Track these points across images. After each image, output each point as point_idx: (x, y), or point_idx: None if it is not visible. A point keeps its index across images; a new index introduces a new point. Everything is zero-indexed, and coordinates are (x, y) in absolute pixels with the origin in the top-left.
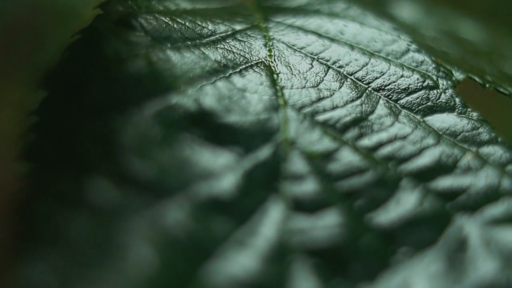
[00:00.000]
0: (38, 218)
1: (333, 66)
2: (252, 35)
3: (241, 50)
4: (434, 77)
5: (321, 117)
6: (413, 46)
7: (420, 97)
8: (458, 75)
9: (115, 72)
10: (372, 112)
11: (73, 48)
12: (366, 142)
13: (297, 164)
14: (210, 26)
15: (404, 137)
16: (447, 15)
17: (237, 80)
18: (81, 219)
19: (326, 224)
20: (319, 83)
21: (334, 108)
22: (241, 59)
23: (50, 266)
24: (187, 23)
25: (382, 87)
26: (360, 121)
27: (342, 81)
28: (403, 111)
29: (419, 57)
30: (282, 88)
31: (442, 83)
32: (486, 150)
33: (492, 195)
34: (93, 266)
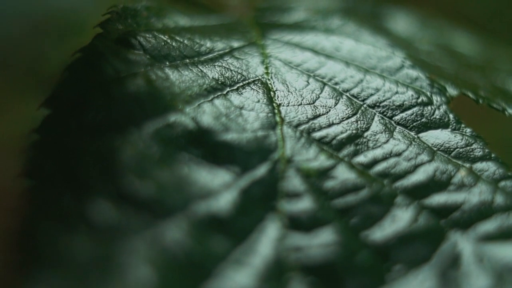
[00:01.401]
0: (40, 239)
1: (329, 83)
2: (250, 52)
3: (238, 67)
4: (428, 93)
5: (317, 134)
6: (408, 63)
7: (414, 114)
8: (452, 91)
9: (114, 91)
10: (367, 128)
11: (73, 68)
12: (362, 159)
13: (294, 182)
14: (208, 44)
15: (399, 154)
16: (442, 28)
17: (234, 97)
18: (82, 240)
19: (322, 242)
20: (315, 100)
21: (330, 125)
22: (239, 76)
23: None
24: (185, 41)
25: (377, 104)
26: (355, 138)
27: (337, 98)
28: (398, 128)
29: (413, 73)
30: (279, 105)
31: (436, 99)
32: (479, 166)
33: (485, 211)
34: (94, 286)
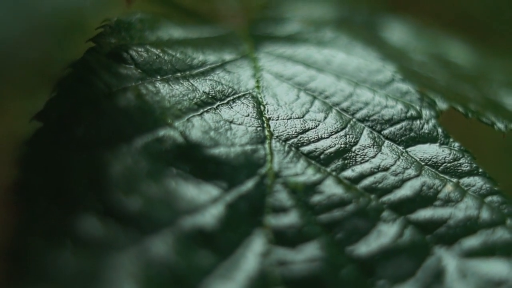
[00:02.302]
0: (27, 254)
1: (319, 97)
2: (241, 65)
3: (229, 81)
4: (418, 107)
5: (305, 148)
6: (398, 76)
7: (403, 128)
8: (441, 105)
9: (104, 106)
10: (356, 143)
11: (64, 83)
12: (350, 173)
13: (281, 196)
14: (201, 57)
15: (386, 168)
16: (437, 37)
17: (224, 111)
18: (68, 255)
19: (308, 257)
20: (305, 114)
21: (318, 139)
22: (229, 90)
23: None
24: (178, 54)
25: (366, 118)
26: (344, 152)
27: (327, 112)
28: (386, 142)
29: (404, 87)
30: (269, 119)
31: (425, 113)
32: (466, 181)
33: (471, 226)
34: None
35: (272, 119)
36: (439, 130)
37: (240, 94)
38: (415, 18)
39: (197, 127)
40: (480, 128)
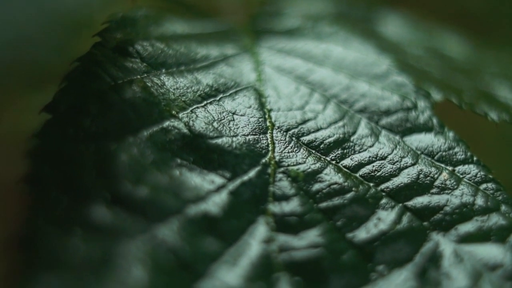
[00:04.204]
0: (39, 242)
1: (318, 90)
2: (243, 60)
3: (232, 74)
4: (413, 99)
5: (306, 138)
6: (394, 69)
7: (399, 118)
8: (436, 96)
9: (111, 98)
10: (354, 133)
11: (72, 76)
12: (349, 162)
13: (283, 185)
14: (204, 52)
15: (384, 157)
16: (433, 30)
17: (227, 103)
18: (78, 243)
19: (309, 243)
20: (305, 105)
21: (318, 129)
22: (232, 83)
23: None
24: (182, 49)
25: (364, 109)
26: (342, 142)
27: (326, 103)
28: (383, 132)
29: (399, 79)
30: (270, 110)
31: (421, 104)
32: (461, 168)
33: (466, 212)
34: (89, 287)
35: (273, 111)
36: (434, 120)
37: (242, 87)
38: (412, 12)
39: (201, 118)
40: (474, 126)
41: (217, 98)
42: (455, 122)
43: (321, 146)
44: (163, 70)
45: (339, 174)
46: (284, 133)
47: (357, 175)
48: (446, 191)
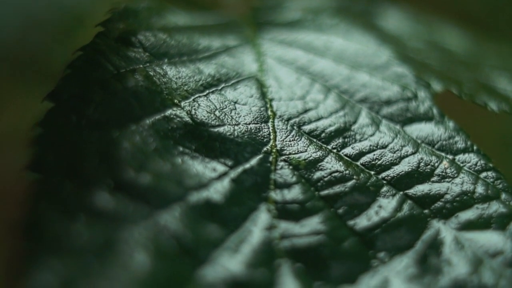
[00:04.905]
0: (43, 228)
1: (319, 80)
2: (244, 51)
3: (233, 65)
4: (413, 89)
5: (307, 127)
6: (394, 60)
7: (400, 108)
8: (436, 87)
9: (113, 86)
10: (354, 122)
11: (75, 65)
12: (350, 150)
13: (284, 173)
14: (206, 43)
15: (385, 146)
16: (432, 24)
17: (229, 93)
18: (81, 228)
19: (311, 231)
20: (306, 95)
21: (319, 118)
22: (234, 73)
23: (55, 275)
24: (184, 40)
25: (364, 99)
26: (343, 131)
27: (327, 93)
28: (384, 121)
29: (400, 70)
30: (271, 100)
31: (421, 94)
32: (462, 157)
33: (467, 200)
34: (93, 273)
35: (275, 100)
36: (434, 110)
37: (244, 77)
38: (413, 6)
39: (203, 107)
40: (475, 123)
41: (219, 88)
42: (455, 119)
43: (322, 135)
44: (166, 60)
45: (340, 163)
46: (286, 122)
47: (358, 163)
48: (447, 179)
